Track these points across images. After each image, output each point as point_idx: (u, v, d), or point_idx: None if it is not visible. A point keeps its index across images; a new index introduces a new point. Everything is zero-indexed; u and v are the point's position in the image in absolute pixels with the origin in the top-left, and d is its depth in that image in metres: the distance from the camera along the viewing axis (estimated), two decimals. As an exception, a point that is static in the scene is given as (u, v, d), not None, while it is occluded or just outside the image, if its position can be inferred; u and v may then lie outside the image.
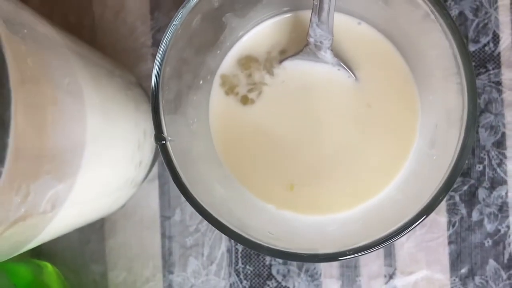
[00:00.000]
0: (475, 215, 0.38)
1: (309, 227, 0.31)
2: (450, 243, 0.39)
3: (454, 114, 0.27)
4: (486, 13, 0.38)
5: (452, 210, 0.39)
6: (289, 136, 0.33)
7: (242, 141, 0.33)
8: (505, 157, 0.38)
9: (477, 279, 0.38)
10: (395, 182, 0.31)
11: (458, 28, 0.25)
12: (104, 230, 0.41)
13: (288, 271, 0.39)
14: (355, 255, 0.24)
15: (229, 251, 0.40)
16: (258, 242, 0.25)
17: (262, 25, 0.32)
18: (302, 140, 0.33)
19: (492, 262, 0.38)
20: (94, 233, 0.40)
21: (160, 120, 0.26)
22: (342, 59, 0.32)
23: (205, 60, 0.31)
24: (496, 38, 0.39)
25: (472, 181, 0.39)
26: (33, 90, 0.21)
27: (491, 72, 0.38)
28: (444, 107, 0.29)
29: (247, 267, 0.39)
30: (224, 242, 0.39)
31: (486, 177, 0.38)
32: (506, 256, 0.38)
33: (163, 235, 0.40)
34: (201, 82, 0.31)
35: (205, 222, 0.27)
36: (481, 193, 0.38)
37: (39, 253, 0.40)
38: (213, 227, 0.26)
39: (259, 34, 0.32)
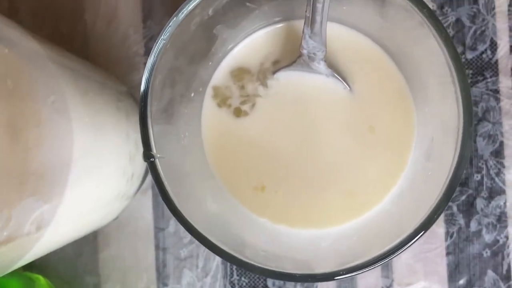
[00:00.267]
0: (473, 226, 0.38)
1: (303, 242, 0.30)
2: (448, 254, 0.38)
3: (450, 126, 0.26)
4: (483, 20, 0.38)
5: (450, 220, 0.38)
6: (283, 149, 0.32)
7: (235, 154, 0.32)
8: (503, 167, 0.38)
9: (476, 290, 0.38)
10: (390, 196, 0.31)
11: (450, 38, 0.25)
12: (98, 242, 0.40)
13: (284, 283, 0.38)
14: (351, 274, 0.24)
15: (224, 263, 0.39)
16: (251, 262, 0.24)
17: (254, 36, 0.32)
18: (296, 152, 0.32)
19: (490, 273, 0.38)
20: (87, 245, 0.40)
21: (148, 136, 0.25)
22: (336, 70, 0.32)
23: (196, 71, 0.31)
24: (493, 45, 0.38)
25: (470, 191, 0.38)
26: (15, 108, 0.21)
27: (489, 80, 0.38)
28: (440, 119, 0.28)
29: (242, 279, 0.39)
30: (218, 254, 0.39)
31: (484, 186, 0.38)
32: (505, 267, 0.38)
33: (157, 247, 0.40)
34: (192, 94, 0.31)
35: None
36: (479, 203, 0.38)
37: (31, 265, 0.40)
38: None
39: (251, 45, 0.32)
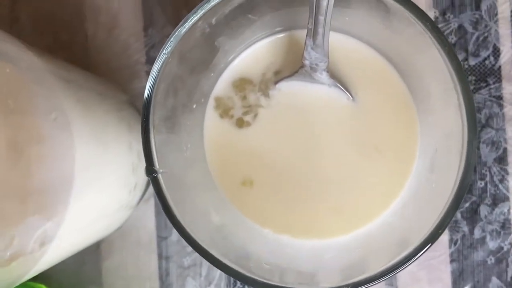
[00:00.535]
0: (477, 233, 0.38)
1: (306, 254, 0.30)
2: (452, 261, 0.38)
3: (454, 137, 0.26)
4: (486, 26, 0.38)
5: (453, 227, 0.38)
6: (286, 159, 0.32)
7: (238, 165, 0.32)
8: (507, 173, 0.38)
9: (480, 297, 0.38)
10: (393, 207, 0.31)
11: (454, 51, 0.25)
12: (100, 251, 0.40)
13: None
14: (356, 289, 0.24)
15: (227, 271, 0.39)
16: (253, 277, 0.24)
17: (255, 46, 0.32)
18: (299, 162, 0.32)
19: (495, 280, 0.38)
20: (90, 254, 0.40)
21: (151, 151, 0.25)
22: (339, 80, 0.31)
23: (198, 82, 0.31)
24: (496, 52, 0.38)
25: (474, 198, 0.38)
26: (17, 127, 0.21)
27: (492, 86, 0.38)
28: (443, 130, 0.28)
29: (246, 287, 0.39)
30: (221, 263, 0.39)
31: (488, 193, 0.38)
32: (510, 273, 0.38)
33: (160, 256, 0.40)
34: (194, 105, 0.31)
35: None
36: (483, 210, 0.38)
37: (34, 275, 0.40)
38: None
39: (252, 55, 0.32)
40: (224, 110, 0.32)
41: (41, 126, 0.22)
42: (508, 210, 0.38)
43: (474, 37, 0.38)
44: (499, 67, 0.38)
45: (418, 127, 0.31)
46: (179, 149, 0.29)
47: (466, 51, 0.38)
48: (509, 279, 0.38)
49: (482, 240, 0.38)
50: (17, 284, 0.25)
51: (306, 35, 0.28)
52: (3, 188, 0.19)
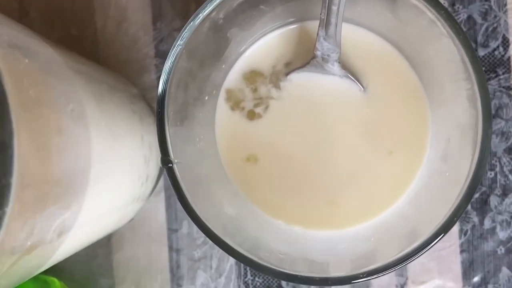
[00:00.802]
0: (487, 223, 0.38)
1: (319, 245, 0.30)
2: (462, 251, 0.38)
3: (467, 126, 0.26)
4: (495, 16, 0.38)
5: (463, 218, 0.38)
6: (298, 150, 0.32)
7: (250, 157, 0.32)
8: (517, 164, 0.38)
9: (490, 287, 0.38)
10: (406, 197, 0.31)
11: (465, 34, 0.25)
12: (111, 244, 0.40)
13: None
14: (368, 278, 0.24)
15: (238, 263, 0.39)
16: (267, 265, 0.24)
17: (266, 38, 0.32)
18: (311, 154, 0.32)
19: (505, 270, 0.38)
20: (101, 247, 0.40)
21: (166, 141, 0.25)
22: (350, 71, 0.31)
23: (209, 75, 0.31)
24: (506, 42, 0.38)
25: (484, 189, 0.38)
26: (36, 118, 0.21)
27: (501, 77, 0.38)
28: (456, 121, 0.28)
29: (256, 279, 0.39)
30: (233, 255, 0.39)
31: (498, 184, 0.38)
32: (520, 263, 0.38)
33: (170, 248, 0.40)
34: (206, 97, 0.31)
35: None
36: (493, 200, 0.38)
37: (46, 268, 0.40)
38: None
39: (263, 47, 0.32)
40: (235, 102, 0.32)
41: (60, 118, 0.22)
42: (518, 200, 0.38)
43: (483, 28, 0.38)
44: (509, 58, 0.38)
45: (429, 117, 0.31)
46: (192, 141, 0.29)
47: (475, 42, 0.38)
48: (519, 269, 0.38)
49: (492, 230, 0.38)
50: (36, 273, 0.25)
51: (319, 26, 0.28)
52: (25, 178, 0.19)
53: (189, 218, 0.38)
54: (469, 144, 0.26)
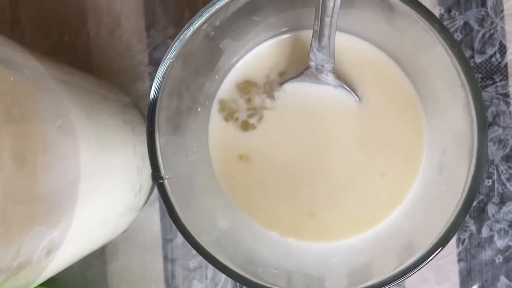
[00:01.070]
0: (484, 232, 0.37)
1: (313, 257, 0.30)
2: (459, 260, 0.38)
3: (462, 137, 0.26)
4: (492, 23, 0.37)
5: (461, 226, 0.38)
6: (292, 161, 0.32)
7: (244, 168, 0.32)
8: (515, 172, 0.37)
9: (488, 296, 0.37)
10: (401, 208, 0.30)
11: (460, 46, 0.24)
12: (106, 254, 0.40)
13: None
14: (364, 295, 0.23)
15: (233, 273, 0.39)
16: (260, 283, 0.24)
17: (260, 48, 0.31)
18: (305, 164, 0.32)
19: (503, 279, 0.37)
20: (96, 257, 0.40)
21: (156, 155, 0.25)
22: (344, 81, 0.31)
23: (202, 85, 0.30)
24: (502, 49, 0.37)
25: (481, 197, 0.38)
26: (21, 135, 0.20)
27: (498, 84, 0.37)
28: (451, 131, 0.28)
29: (252, 289, 0.38)
30: (228, 265, 0.39)
31: (496, 192, 0.37)
32: (518, 272, 0.37)
33: (165, 258, 0.39)
34: (199, 109, 0.30)
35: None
36: (491, 208, 0.37)
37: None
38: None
39: (257, 57, 0.31)
40: (229, 113, 0.32)
41: (46, 134, 0.21)
42: (516, 208, 0.37)
43: (480, 34, 0.37)
44: (506, 65, 0.37)
45: (425, 127, 0.31)
46: (184, 154, 0.29)
47: (472, 48, 0.37)
48: (517, 278, 0.37)
49: (490, 239, 0.37)
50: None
51: (312, 37, 0.28)
52: (9, 197, 0.19)
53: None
54: (465, 155, 0.26)
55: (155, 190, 0.39)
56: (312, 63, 0.29)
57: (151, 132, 0.24)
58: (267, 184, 0.32)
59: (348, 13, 0.28)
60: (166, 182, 0.25)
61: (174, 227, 0.39)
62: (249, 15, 0.27)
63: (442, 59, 0.26)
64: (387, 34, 0.30)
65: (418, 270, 0.26)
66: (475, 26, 0.37)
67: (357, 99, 0.31)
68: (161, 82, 0.25)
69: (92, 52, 0.40)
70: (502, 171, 0.37)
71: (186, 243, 0.39)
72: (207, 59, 0.29)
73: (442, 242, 0.25)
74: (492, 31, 0.37)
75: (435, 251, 0.25)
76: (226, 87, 0.32)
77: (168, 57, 0.25)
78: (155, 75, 0.26)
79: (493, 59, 0.37)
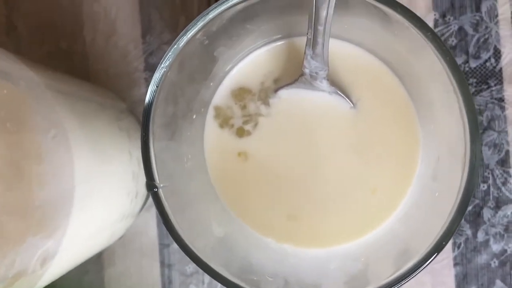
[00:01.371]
0: (480, 236, 0.38)
1: (309, 264, 0.30)
2: (455, 264, 0.38)
3: (456, 146, 0.26)
4: (486, 27, 0.37)
5: (457, 231, 0.38)
6: (288, 167, 0.32)
7: (239, 175, 0.32)
8: (510, 176, 0.37)
9: (484, 300, 0.38)
10: (396, 214, 0.30)
11: (452, 55, 0.24)
12: (103, 259, 0.40)
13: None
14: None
15: (230, 278, 0.39)
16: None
17: (254, 55, 0.31)
18: (301, 171, 0.32)
19: (499, 283, 0.38)
20: (92, 262, 0.40)
21: (151, 166, 0.25)
22: (339, 87, 0.31)
23: (197, 92, 0.30)
24: (497, 53, 0.37)
25: (477, 201, 0.38)
26: (15, 146, 0.20)
27: (493, 88, 0.37)
28: (445, 138, 0.28)
29: (249, 294, 0.38)
30: (224, 270, 0.39)
31: (491, 196, 0.38)
32: (514, 276, 0.38)
33: (162, 263, 0.39)
34: (194, 116, 0.30)
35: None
36: (486, 213, 0.38)
37: (37, 285, 0.40)
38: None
39: (251, 64, 0.31)
40: (224, 120, 0.32)
41: (40, 145, 0.22)
42: (511, 212, 0.37)
43: (474, 39, 0.38)
44: (500, 69, 0.38)
45: (419, 133, 0.31)
46: (179, 161, 0.29)
47: (467, 53, 0.38)
48: (513, 281, 0.38)
49: (486, 243, 0.38)
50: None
51: (306, 45, 0.28)
52: (3, 208, 0.19)
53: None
54: (459, 161, 0.26)
55: (152, 196, 0.39)
56: (307, 71, 0.29)
57: (146, 141, 0.25)
58: (262, 191, 0.32)
59: (342, 20, 0.28)
60: (160, 191, 0.25)
61: (170, 232, 0.39)
62: (243, 23, 0.27)
63: (435, 66, 0.26)
64: (381, 41, 0.30)
65: (414, 276, 0.26)
66: (470, 31, 0.37)
67: (352, 105, 0.31)
68: (155, 91, 0.25)
69: (89, 58, 0.40)
70: (497, 175, 0.37)
71: (183, 248, 0.39)
72: (202, 66, 0.29)
73: (437, 247, 0.25)
74: (486, 36, 0.37)
75: (431, 256, 0.25)
76: (221, 94, 0.32)
77: (162, 66, 0.25)
78: (151, 81, 0.26)
79: (487, 64, 0.37)
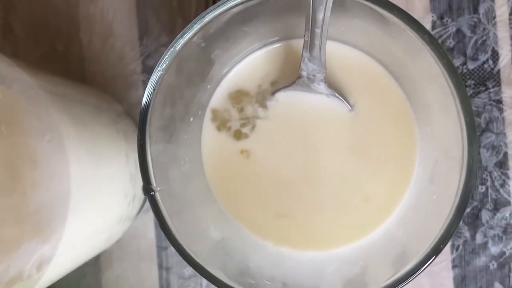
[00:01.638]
0: (479, 238, 0.37)
1: (307, 267, 0.30)
2: (454, 267, 0.38)
3: (454, 149, 0.26)
4: (484, 29, 0.37)
5: (455, 233, 0.38)
6: (285, 170, 0.32)
7: (237, 177, 0.32)
8: (508, 178, 0.37)
9: (483, 302, 0.38)
10: (393, 217, 0.30)
11: (449, 58, 0.24)
12: (100, 262, 0.40)
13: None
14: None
15: (228, 281, 0.39)
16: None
17: (251, 57, 0.31)
18: (298, 173, 0.32)
19: (498, 286, 0.37)
20: (90, 265, 0.40)
21: (148, 169, 0.25)
22: (337, 89, 0.31)
23: (195, 95, 0.30)
24: (495, 55, 0.37)
25: (475, 203, 0.38)
26: (10, 151, 0.20)
27: (491, 90, 0.37)
28: (443, 141, 0.28)
29: (247, 297, 0.38)
30: (222, 273, 0.38)
31: (489, 198, 0.37)
32: (512, 278, 0.37)
33: (160, 266, 0.39)
34: (191, 119, 0.30)
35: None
36: (485, 215, 0.37)
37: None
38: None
39: (248, 66, 0.31)
40: (221, 123, 0.32)
41: (36, 149, 0.21)
42: (510, 214, 0.37)
43: (472, 41, 0.37)
44: (498, 71, 0.37)
45: (417, 135, 0.31)
46: (177, 164, 0.29)
47: (465, 55, 0.37)
48: (511, 284, 0.37)
49: (484, 245, 0.37)
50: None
51: (303, 47, 0.28)
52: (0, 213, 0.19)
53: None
54: (456, 164, 0.26)
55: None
56: (304, 73, 0.29)
57: (142, 144, 0.24)
58: (260, 193, 0.32)
59: (339, 22, 0.28)
60: (157, 195, 0.25)
61: (168, 235, 0.39)
62: (240, 26, 0.27)
63: (432, 68, 0.26)
64: (378, 43, 0.30)
65: (413, 279, 0.26)
66: (468, 33, 0.37)
67: (350, 107, 0.31)
68: (151, 94, 0.25)
69: (85, 60, 0.40)
70: (495, 177, 0.37)
71: (181, 251, 0.39)
72: (199, 69, 0.29)
73: (436, 250, 0.25)
74: (484, 38, 0.37)
75: (430, 259, 0.25)
76: (218, 97, 0.32)
77: (158, 69, 0.25)
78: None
79: (485, 66, 0.37)
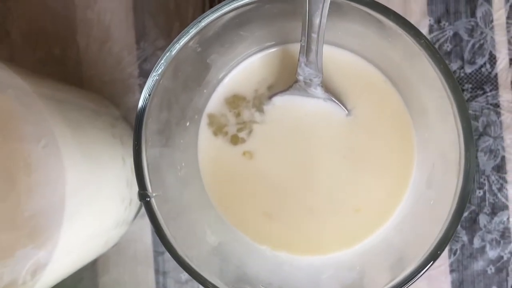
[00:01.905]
0: (476, 242, 0.37)
1: (305, 272, 0.30)
2: (452, 271, 0.38)
3: (451, 153, 0.26)
4: (481, 33, 0.37)
5: (452, 238, 0.37)
6: (282, 174, 0.32)
7: (234, 182, 0.32)
8: (506, 182, 0.37)
9: (481, 307, 0.37)
10: (391, 222, 0.30)
11: (445, 63, 0.24)
12: (97, 266, 0.40)
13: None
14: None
15: (225, 285, 0.39)
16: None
17: (247, 62, 0.31)
18: (295, 178, 0.32)
19: (495, 290, 0.37)
20: (87, 269, 0.39)
21: (143, 175, 0.25)
22: (334, 94, 0.31)
23: (191, 100, 0.30)
24: (492, 59, 0.37)
25: (473, 207, 0.37)
26: (5, 157, 0.20)
27: (489, 94, 0.37)
28: (440, 145, 0.28)
29: (244, 301, 0.38)
30: (219, 278, 0.38)
31: (487, 202, 0.37)
32: (510, 282, 0.37)
33: (157, 271, 0.39)
34: (188, 123, 0.30)
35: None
36: (482, 219, 0.37)
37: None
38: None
39: (245, 71, 0.31)
40: (218, 127, 0.32)
41: (31, 155, 0.21)
42: (508, 218, 0.37)
43: (469, 45, 0.37)
44: (496, 75, 0.37)
45: (414, 140, 0.31)
46: (173, 169, 0.29)
47: (462, 59, 0.37)
48: (509, 288, 0.37)
49: (482, 249, 0.37)
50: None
51: (299, 52, 0.28)
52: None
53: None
54: (453, 169, 0.26)
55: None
56: (300, 77, 0.29)
57: (138, 150, 0.24)
58: (257, 197, 0.32)
59: (335, 26, 0.28)
60: (153, 200, 0.25)
61: (165, 240, 0.39)
62: (236, 30, 0.27)
63: (429, 73, 0.26)
64: (375, 47, 0.30)
65: (411, 284, 0.26)
66: (465, 37, 0.37)
67: (347, 112, 0.31)
68: (147, 99, 0.25)
69: (82, 64, 0.40)
70: (493, 181, 0.37)
71: (178, 255, 0.39)
72: (195, 74, 0.29)
73: (434, 255, 0.25)
74: (482, 41, 0.37)
75: (428, 264, 0.25)
76: (215, 102, 0.31)
77: (154, 73, 0.24)
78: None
79: (483, 69, 0.37)
